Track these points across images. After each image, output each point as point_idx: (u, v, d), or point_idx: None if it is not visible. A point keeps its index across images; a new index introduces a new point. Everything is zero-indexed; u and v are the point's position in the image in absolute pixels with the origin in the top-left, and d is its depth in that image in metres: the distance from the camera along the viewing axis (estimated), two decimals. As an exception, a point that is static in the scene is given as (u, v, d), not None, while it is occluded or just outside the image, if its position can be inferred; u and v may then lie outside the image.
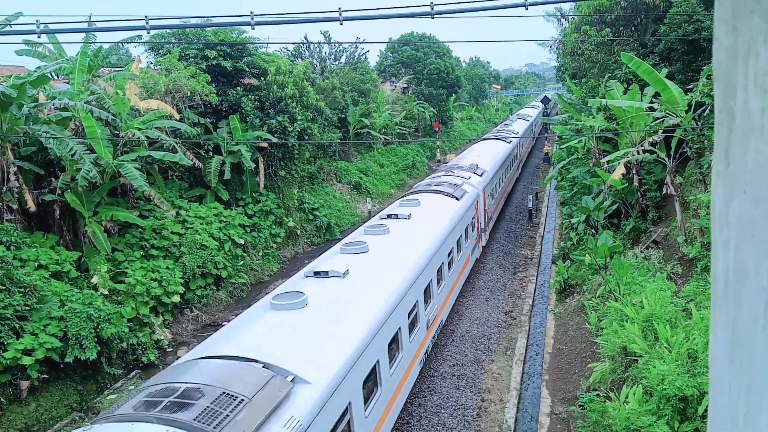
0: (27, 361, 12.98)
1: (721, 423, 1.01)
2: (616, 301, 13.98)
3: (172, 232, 19.94)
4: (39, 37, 17.29)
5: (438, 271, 15.31)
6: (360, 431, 9.16)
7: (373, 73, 47.08)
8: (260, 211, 25.36)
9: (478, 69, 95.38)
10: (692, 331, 10.65)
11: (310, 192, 30.52)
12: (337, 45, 44.52)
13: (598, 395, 11.69)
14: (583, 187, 23.24)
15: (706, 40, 18.64)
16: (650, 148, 16.74)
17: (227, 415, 6.60)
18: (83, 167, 16.27)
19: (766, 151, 0.90)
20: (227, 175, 23.32)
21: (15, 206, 16.13)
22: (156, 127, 20.11)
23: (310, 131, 27.06)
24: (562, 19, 31.22)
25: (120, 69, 23.96)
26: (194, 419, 6.40)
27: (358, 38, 52.22)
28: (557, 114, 51.76)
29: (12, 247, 14.99)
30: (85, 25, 15.16)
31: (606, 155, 19.98)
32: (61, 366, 14.07)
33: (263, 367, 7.81)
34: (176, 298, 18.35)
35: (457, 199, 19.50)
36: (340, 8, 10.18)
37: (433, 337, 14.74)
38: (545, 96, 79.10)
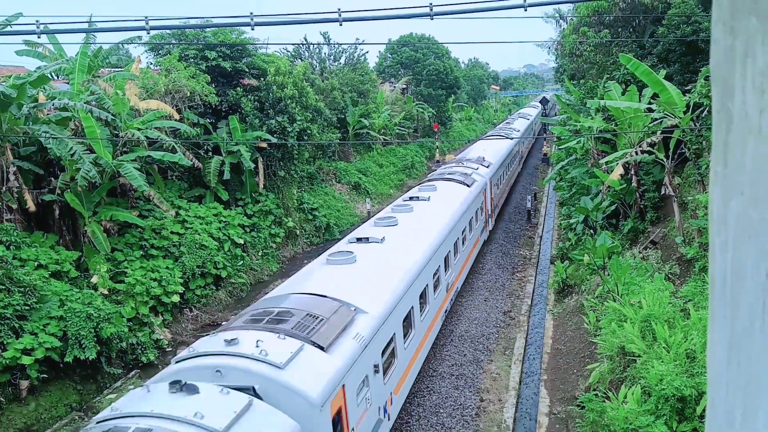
0: (27, 360, 12.99)
1: (719, 423, 1.01)
2: (615, 301, 14.01)
3: (172, 232, 19.94)
4: (39, 37, 17.31)
5: (454, 244, 17.86)
6: (401, 357, 11.84)
7: (372, 73, 47.11)
8: (260, 211, 25.37)
9: (477, 70, 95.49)
10: (690, 331, 10.68)
11: (310, 192, 30.53)
12: (336, 46, 44.58)
13: (596, 395, 11.72)
14: (581, 187, 23.29)
15: (704, 42, 18.69)
16: (648, 148, 16.78)
17: (314, 328, 9.11)
18: (83, 167, 16.28)
19: (764, 152, 0.90)
20: (227, 175, 23.33)
21: (15, 206, 16.13)
22: (156, 128, 20.12)
23: (309, 132, 27.07)
24: (560, 21, 31.28)
25: (120, 69, 23.96)
26: (291, 329, 8.88)
27: (357, 39, 52.29)
28: (556, 115, 51.83)
29: (12, 247, 14.99)
30: (85, 26, 15.17)
31: (604, 156, 20.02)
32: (61, 366, 14.07)
33: (333, 300, 10.35)
34: (176, 298, 18.35)
35: (468, 186, 21.97)
36: (339, 9, 10.21)
37: (451, 299, 17.52)
38: (544, 97, 79.19)
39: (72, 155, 16.50)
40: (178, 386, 7.08)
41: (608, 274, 15.34)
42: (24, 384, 13.21)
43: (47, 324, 13.85)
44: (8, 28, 15.94)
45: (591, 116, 21.42)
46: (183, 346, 17.44)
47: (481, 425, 12.65)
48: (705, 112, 16.05)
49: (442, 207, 18.40)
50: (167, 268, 18.76)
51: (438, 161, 49.40)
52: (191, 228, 20.85)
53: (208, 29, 25.29)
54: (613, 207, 20.45)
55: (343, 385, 8.75)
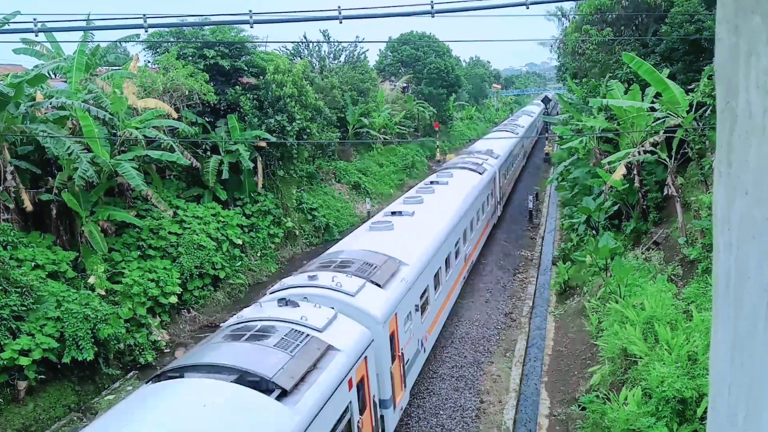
0: (24, 361, 12.93)
1: (721, 423, 1.00)
2: (617, 302, 13.90)
3: (170, 232, 19.86)
4: (36, 35, 17.23)
5: (470, 222, 20.54)
6: (432, 305, 14.78)
7: (372, 72, 47.01)
8: (258, 211, 25.28)
9: (479, 68, 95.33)
10: (692, 333, 10.59)
11: (309, 192, 30.45)
12: (336, 44, 44.46)
13: (597, 396, 11.63)
14: (583, 187, 23.18)
15: (708, 40, 18.55)
16: (651, 148, 16.66)
17: (371, 271, 12.05)
18: (80, 167, 16.20)
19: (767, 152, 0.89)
20: (225, 175, 23.24)
21: (12, 206, 16.06)
22: (154, 126, 20.03)
23: (308, 131, 26.98)
24: (563, 19, 31.17)
25: (118, 68, 23.88)
26: (354, 271, 11.80)
27: (357, 37, 52.09)
28: (558, 114, 51.80)
29: (8, 247, 14.92)
30: (82, 24, 15.10)
31: (607, 155, 19.91)
32: (59, 366, 14.01)
33: (381, 254, 13.14)
34: (173, 299, 18.28)
35: (480, 174, 24.68)
36: (339, 7, 10.13)
37: (468, 269, 20.23)
38: (545, 96, 79.04)
39: (69, 154, 16.42)
40: (284, 302, 10.06)
41: (610, 276, 15.24)
42: (22, 385, 13.15)
43: (44, 325, 13.79)
44: (6, 27, 15.86)
45: (593, 115, 21.30)
46: (181, 347, 17.40)
47: (481, 427, 12.56)
48: (708, 112, 15.93)
49: (459, 190, 21.13)
50: (165, 268, 18.68)
51: (439, 160, 49.34)
52: (189, 228, 20.77)
53: (206, 27, 25.19)
54: (615, 207, 20.34)
55: (396, 314, 11.63)
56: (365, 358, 9.90)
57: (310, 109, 27.84)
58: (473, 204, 21.08)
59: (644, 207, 19.33)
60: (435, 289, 15.13)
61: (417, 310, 13.21)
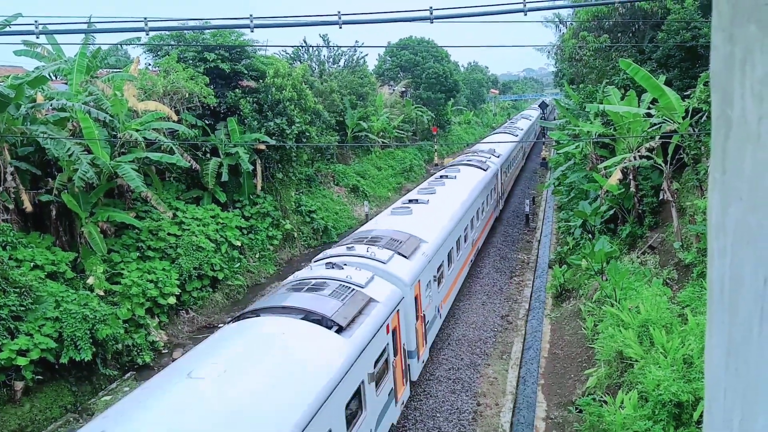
0: (22, 361, 12.92)
1: (717, 429, 1.01)
2: (612, 306, 14.00)
3: (169, 234, 19.89)
4: (38, 37, 17.30)
5: (476, 212, 22.79)
6: (447, 278, 17.01)
7: (371, 76, 47.13)
8: (257, 213, 25.32)
9: (477, 73, 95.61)
10: (688, 336, 10.68)
11: (308, 194, 30.50)
12: (335, 48, 44.59)
13: (594, 399, 11.70)
14: (580, 191, 23.30)
15: (704, 47, 18.74)
16: (647, 153, 16.80)
17: (397, 245, 14.15)
18: (80, 168, 16.23)
19: (762, 159, 0.90)
20: (225, 177, 23.29)
21: (11, 206, 16.08)
22: (154, 129, 20.07)
23: (308, 134, 27.05)
24: (560, 25, 31.36)
25: (118, 70, 23.94)
26: (383, 245, 14.00)
27: (356, 42, 52.28)
28: (555, 119, 52.07)
29: (8, 248, 14.93)
30: (83, 26, 15.15)
31: (603, 160, 20.04)
32: (56, 367, 14.00)
33: (404, 233, 15.36)
34: (172, 300, 18.29)
35: (484, 170, 26.79)
36: (339, 12, 10.20)
37: (475, 253, 22.65)
38: (543, 101, 79.31)
39: (70, 156, 16.46)
40: (331, 265, 12.39)
41: (606, 279, 15.33)
42: (19, 385, 13.14)
43: (43, 325, 13.79)
44: (7, 28, 15.92)
45: (590, 121, 21.44)
46: (179, 348, 17.41)
47: (477, 430, 12.60)
48: (704, 118, 16.08)
49: (467, 184, 23.37)
50: (164, 269, 18.70)
51: (437, 164, 49.43)
52: (188, 230, 20.80)
53: (207, 31, 25.28)
54: (611, 212, 20.45)
55: (419, 281, 13.70)
56: (397, 311, 12.05)
57: (309, 113, 27.93)
58: (479, 196, 23.31)
59: (640, 211, 19.45)
60: (448, 265, 17.36)
61: (435, 280, 15.40)
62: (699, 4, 19.64)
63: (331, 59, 45.30)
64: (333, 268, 12.23)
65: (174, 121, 21.13)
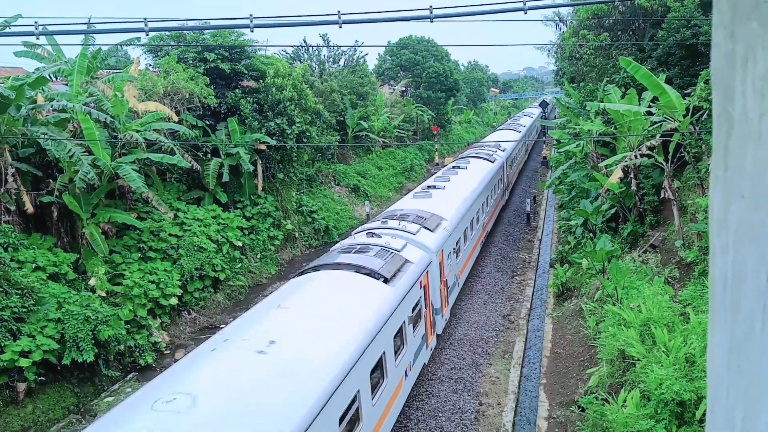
0: (24, 363, 12.93)
1: (719, 427, 1.01)
2: (614, 305, 13.99)
3: (170, 234, 19.89)
4: (38, 38, 17.32)
5: (486, 198, 25.19)
6: (463, 252, 19.50)
7: (371, 76, 47.11)
8: (258, 213, 25.32)
9: (477, 72, 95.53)
10: (690, 335, 10.67)
11: (309, 195, 30.50)
12: (336, 48, 44.58)
13: (596, 398, 11.69)
14: (581, 190, 23.28)
15: (704, 45, 18.71)
16: (648, 152, 16.78)
17: (423, 221, 16.63)
18: (81, 169, 16.25)
19: (764, 156, 0.90)
20: (225, 178, 23.30)
21: (13, 208, 16.09)
22: (154, 129, 20.08)
23: (308, 134, 27.05)
24: (560, 24, 31.32)
25: (119, 71, 23.95)
26: (412, 220, 16.49)
27: (356, 41, 52.24)
28: (555, 118, 52.09)
29: (9, 249, 14.95)
30: (83, 27, 15.15)
31: (604, 159, 20.02)
32: (58, 368, 14.02)
33: (427, 211, 17.90)
34: (174, 301, 18.30)
35: (491, 162, 29.38)
36: (339, 11, 10.18)
37: (485, 236, 25.09)
38: (543, 100, 79.21)
39: (70, 157, 16.47)
40: (371, 234, 14.98)
41: (608, 278, 15.32)
42: (21, 386, 13.15)
43: (45, 326, 13.80)
44: (7, 30, 15.93)
45: (590, 119, 21.41)
46: (181, 349, 17.42)
47: (480, 429, 12.60)
48: (705, 116, 16.05)
49: (477, 173, 25.90)
50: (165, 270, 18.71)
51: (437, 164, 49.42)
52: (189, 230, 20.81)
53: (207, 31, 25.28)
54: (612, 210, 20.43)
55: (442, 250, 16.12)
56: (427, 272, 14.36)
57: (309, 113, 27.92)
58: (488, 184, 25.82)
59: (641, 210, 19.43)
60: (464, 241, 19.84)
61: (453, 252, 17.78)
62: (699, 2, 19.63)
63: (331, 59, 45.31)
64: (373, 236, 14.71)
65: (174, 122, 21.14)
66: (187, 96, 22.50)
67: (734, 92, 0.92)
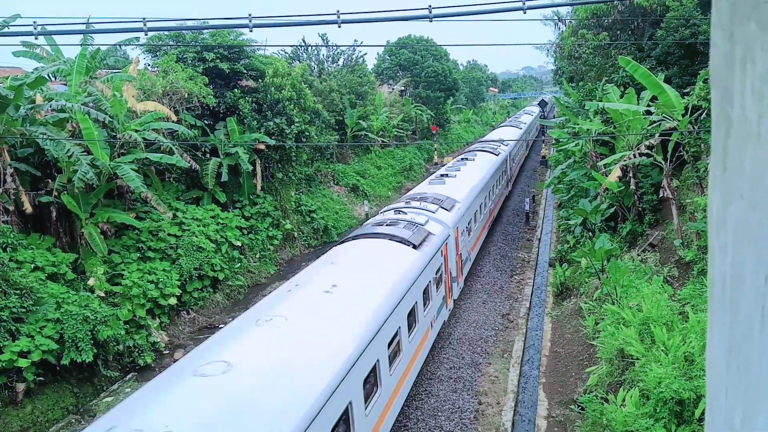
0: (23, 363, 12.92)
1: (719, 427, 1.01)
2: (613, 303, 14.00)
3: (169, 234, 19.88)
4: (36, 38, 17.29)
5: (492, 187, 27.64)
6: (473, 231, 21.68)
7: (370, 75, 47.11)
8: (257, 213, 25.31)
9: (476, 72, 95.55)
10: (689, 334, 10.68)
11: (308, 194, 30.49)
12: (334, 47, 44.56)
13: (595, 397, 11.70)
14: (580, 189, 23.29)
15: (703, 44, 18.72)
16: (647, 151, 16.79)
17: (440, 202, 18.97)
18: (80, 169, 16.23)
19: (763, 157, 0.89)
20: (224, 177, 23.28)
21: (11, 208, 16.08)
22: (153, 129, 20.07)
23: (307, 133, 27.04)
24: (559, 23, 31.31)
25: (117, 71, 23.92)
26: (430, 201, 18.98)
27: (355, 41, 52.14)
28: (554, 117, 52.17)
29: (8, 249, 14.93)
30: (82, 27, 15.13)
31: (603, 158, 20.03)
32: (57, 368, 14.01)
33: (443, 194, 20.08)
34: (173, 301, 18.29)
35: (496, 155, 31.87)
36: (338, 11, 10.18)
37: (491, 222, 27.54)
38: (542, 99, 79.29)
39: (69, 157, 16.45)
40: (398, 211, 17.50)
41: (607, 277, 15.32)
42: (20, 387, 13.14)
43: (44, 326, 13.79)
44: (6, 29, 15.90)
45: (589, 119, 21.42)
46: (180, 349, 17.41)
47: (479, 428, 12.61)
48: (703, 115, 16.07)
49: (483, 165, 28.20)
50: (164, 270, 18.70)
51: (436, 163, 49.42)
52: (188, 230, 20.79)
53: (206, 30, 25.26)
54: (611, 210, 20.44)
55: (457, 227, 18.40)
56: (446, 244, 16.63)
57: (308, 112, 27.91)
58: (493, 175, 28.19)
59: (640, 209, 19.45)
60: (474, 222, 22.12)
61: (466, 230, 20.14)
62: (698, 2, 19.63)
63: (330, 58, 45.29)
64: (399, 213, 17.34)
65: (173, 122, 21.13)
66: (186, 96, 22.49)
67: (733, 93, 0.91)
